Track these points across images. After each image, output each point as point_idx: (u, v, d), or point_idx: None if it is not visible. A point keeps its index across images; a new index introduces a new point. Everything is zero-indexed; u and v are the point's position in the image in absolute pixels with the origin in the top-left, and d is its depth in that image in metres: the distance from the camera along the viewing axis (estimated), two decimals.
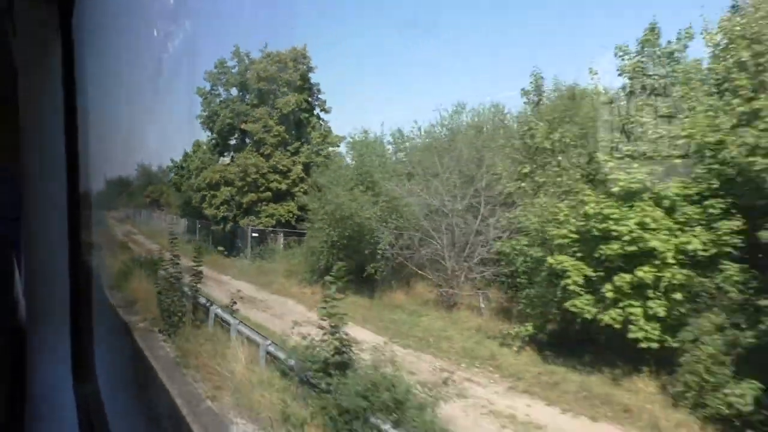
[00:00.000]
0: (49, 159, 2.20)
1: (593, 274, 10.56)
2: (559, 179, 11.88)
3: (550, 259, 10.97)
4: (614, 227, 10.01)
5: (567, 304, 10.78)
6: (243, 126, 26.93)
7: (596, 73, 14.26)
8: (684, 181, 10.37)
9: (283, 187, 26.02)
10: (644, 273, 9.64)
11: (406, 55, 42.60)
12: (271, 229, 25.99)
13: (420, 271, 17.14)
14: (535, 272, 12.15)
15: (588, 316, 10.57)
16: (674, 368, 9.71)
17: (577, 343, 11.86)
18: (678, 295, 10.04)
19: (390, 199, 17.29)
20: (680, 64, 14.99)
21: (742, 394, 7.97)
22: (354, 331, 11.99)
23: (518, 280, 13.89)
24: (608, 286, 10.10)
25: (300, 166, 26.04)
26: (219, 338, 12.50)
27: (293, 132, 27.04)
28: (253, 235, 26.10)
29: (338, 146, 27.04)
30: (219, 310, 13.53)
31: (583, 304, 10.57)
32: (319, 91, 27.79)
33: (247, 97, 27.56)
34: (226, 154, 28.78)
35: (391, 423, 7.01)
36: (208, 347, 11.99)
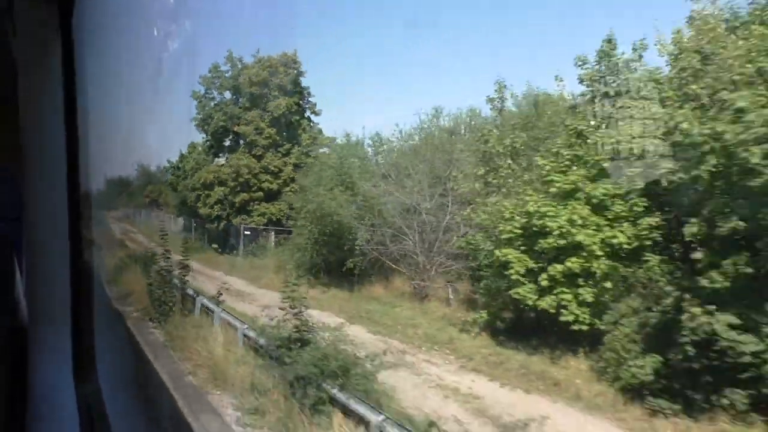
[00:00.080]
0: (50, 159, 2.20)
1: (534, 265, 11.85)
2: (509, 181, 13.18)
3: (497, 252, 12.28)
4: (549, 223, 11.32)
5: (512, 292, 12.08)
6: (236, 128, 28.09)
7: (562, 80, 15.55)
8: (615, 182, 11.66)
9: (275, 187, 27.22)
10: (572, 263, 10.96)
11: (407, 55, 43.66)
12: (262, 227, 27.17)
13: (394, 266, 18.46)
14: (490, 265, 13.46)
15: (530, 302, 11.88)
16: (602, 348, 11.02)
17: (529, 329, 13.18)
18: (608, 284, 11.37)
19: (367, 198, 18.64)
20: (633, 73, 16.29)
21: (644, 366, 9.29)
22: (330, 319, 13.39)
23: (480, 272, 15.21)
24: (544, 275, 11.41)
25: (290, 167, 27.22)
26: (203, 325, 13.82)
27: (284, 134, 28.20)
28: (246, 233, 27.31)
29: (329, 147, 28.32)
30: (205, 300, 14.85)
31: (525, 292, 11.87)
32: (309, 94, 28.87)
33: (240, 100, 28.56)
34: (221, 155, 29.81)
35: (337, 387, 8.33)
36: (193, 333, 13.31)
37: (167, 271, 15.56)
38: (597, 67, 16.98)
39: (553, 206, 11.50)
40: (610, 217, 11.46)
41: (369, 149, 21.87)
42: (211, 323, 13.73)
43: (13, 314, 1.96)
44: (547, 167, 11.80)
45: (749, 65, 9.96)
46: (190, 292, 15.65)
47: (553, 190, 11.69)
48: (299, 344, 9.24)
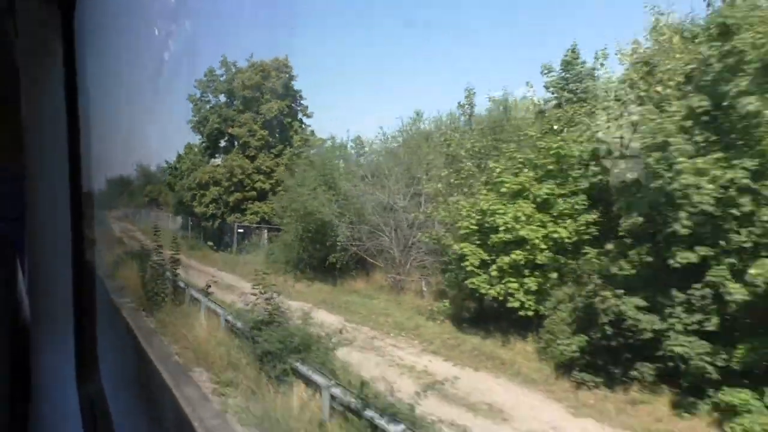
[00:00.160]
0: (51, 158, 2.19)
1: (487, 258, 13.14)
2: (470, 182, 14.47)
3: (455, 246, 13.57)
4: (497, 220, 12.60)
5: (467, 282, 13.37)
6: (230, 130, 29.26)
7: (532, 86, 16.86)
8: (559, 183, 12.93)
9: (267, 186, 28.38)
10: (516, 256, 12.25)
11: (407, 55, 44.71)
12: (255, 225, 28.42)
13: (373, 261, 19.77)
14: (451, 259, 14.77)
15: (483, 291, 13.17)
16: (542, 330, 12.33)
17: (487, 317, 14.48)
18: (554, 274, 12.66)
19: (348, 197, 19.94)
20: (595, 81, 17.60)
21: (570, 344, 10.58)
22: (312, 311, 14.65)
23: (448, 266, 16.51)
24: (493, 266, 12.70)
25: (283, 168, 28.47)
26: (191, 313, 15.15)
27: (276, 135, 29.42)
28: (239, 231, 28.57)
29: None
30: (194, 291, 16.17)
31: (479, 282, 13.16)
32: (301, 97, 30.12)
33: (234, 103, 29.67)
34: (216, 155, 30.95)
35: (300, 360, 9.65)
36: (181, 320, 14.65)
37: (159, 264, 16.87)
38: (562, 74, 18.35)
39: (502, 205, 12.77)
40: (554, 214, 12.72)
41: (352, 151, 23.16)
42: (198, 311, 15.06)
43: (15, 314, 1.95)
44: (498, 169, 13.08)
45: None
46: (182, 284, 16.97)
47: (503, 190, 12.96)
48: (268, 325, 10.54)
